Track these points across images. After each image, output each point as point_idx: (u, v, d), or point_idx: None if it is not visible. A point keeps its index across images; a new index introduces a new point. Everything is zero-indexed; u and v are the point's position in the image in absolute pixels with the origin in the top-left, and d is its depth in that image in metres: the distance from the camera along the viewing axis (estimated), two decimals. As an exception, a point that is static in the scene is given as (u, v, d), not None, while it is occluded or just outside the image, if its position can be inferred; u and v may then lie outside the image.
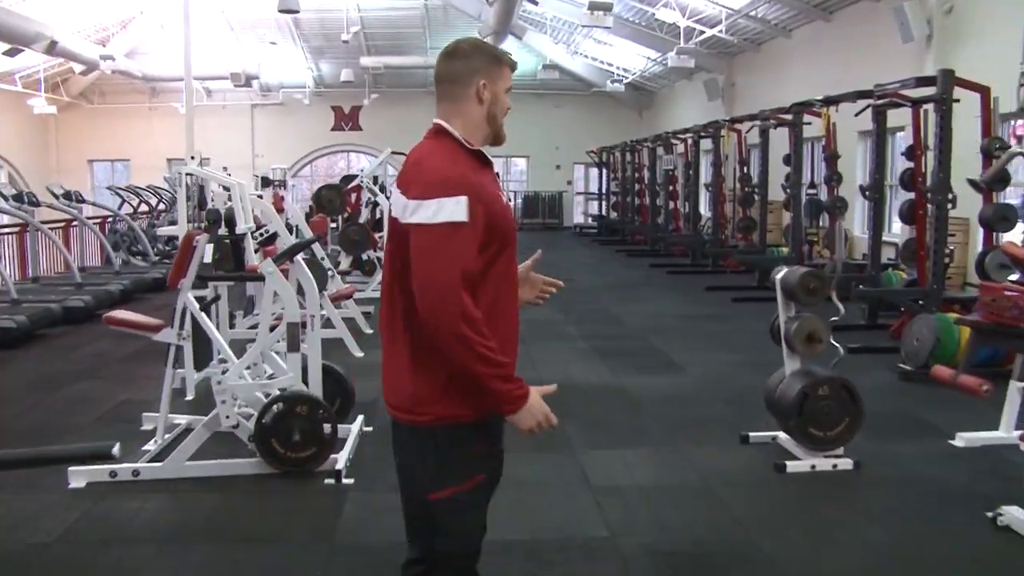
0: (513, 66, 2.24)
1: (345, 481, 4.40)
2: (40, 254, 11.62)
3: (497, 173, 2.32)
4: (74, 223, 12.60)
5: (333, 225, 11.66)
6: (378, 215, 11.36)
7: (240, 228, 5.83)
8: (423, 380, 2.10)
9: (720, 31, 15.95)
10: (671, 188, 17.45)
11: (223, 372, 4.45)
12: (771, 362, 7.30)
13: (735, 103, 17.90)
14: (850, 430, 4.58)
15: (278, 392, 4.56)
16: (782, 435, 4.94)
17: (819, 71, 13.99)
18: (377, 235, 11.15)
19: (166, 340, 4.67)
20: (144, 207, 15.72)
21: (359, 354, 7.51)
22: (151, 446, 4.80)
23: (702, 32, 16.42)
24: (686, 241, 15.90)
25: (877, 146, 8.73)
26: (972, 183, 7.49)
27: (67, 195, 12.04)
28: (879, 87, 8.50)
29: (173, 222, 10.90)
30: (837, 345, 4.71)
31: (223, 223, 6.04)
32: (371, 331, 8.55)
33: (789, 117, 11.13)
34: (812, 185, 12.07)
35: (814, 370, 4.69)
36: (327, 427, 4.44)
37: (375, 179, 12.04)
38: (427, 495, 2.15)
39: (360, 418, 5.24)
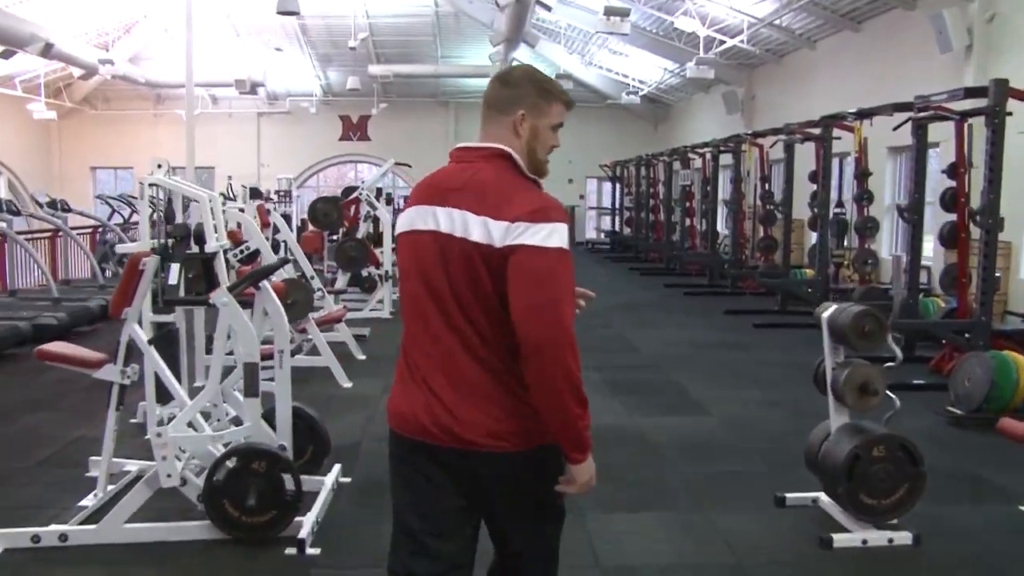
0: (568, 103, 2.15)
1: (309, 551, 3.70)
2: (20, 266, 11.01)
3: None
4: (60, 234, 11.98)
5: (334, 239, 11.08)
6: (380, 229, 10.75)
7: (211, 246, 5.21)
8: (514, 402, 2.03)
9: (741, 40, 15.17)
10: (688, 204, 16.77)
11: (166, 420, 3.76)
12: (801, 401, 6.65)
13: (755, 117, 17.16)
14: (910, 498, 3.87)
15: (239, 441, 3.88)
16: (824, 497, 4.24)
17: (845, 84, 13.28)
18: (378, 251, 10.51)
19: (107, 378, 4.00)
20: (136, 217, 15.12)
21: (347, 384, 6.83)
22: (90, 500, 4.13)
23: (722, 42, 15.66)
24: (703, 260, 15.20)
25: (917, 163, 8.02)
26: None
27: (52, 204, 11.44)
28: (920, 99, 7.80)
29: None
30: (893, 396, 3.99)
31: (192, 240, 5.49)
32: (363, 357, 7.88)
33: (817, 131, 10.44)
34: (839, 204, 11.36)
35: (866, 426, 3.98)
36: (290, 485, 3.76)
37: (378, 191, 11.37)
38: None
39: (336, 468, 4.55)
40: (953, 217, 7.94)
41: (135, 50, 21.28)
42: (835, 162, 11.07)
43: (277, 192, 17.89)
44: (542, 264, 1.93)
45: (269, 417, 4.30)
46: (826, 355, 4.02)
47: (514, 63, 20.07)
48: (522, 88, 2.10)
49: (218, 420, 4.41)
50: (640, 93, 21.76)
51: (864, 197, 9.97)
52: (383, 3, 19.04)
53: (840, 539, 3.85)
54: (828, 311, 3.99)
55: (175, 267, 5.20)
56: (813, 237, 11.79)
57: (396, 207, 21.11)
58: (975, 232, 7.91)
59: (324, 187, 25.76)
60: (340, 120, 25.24)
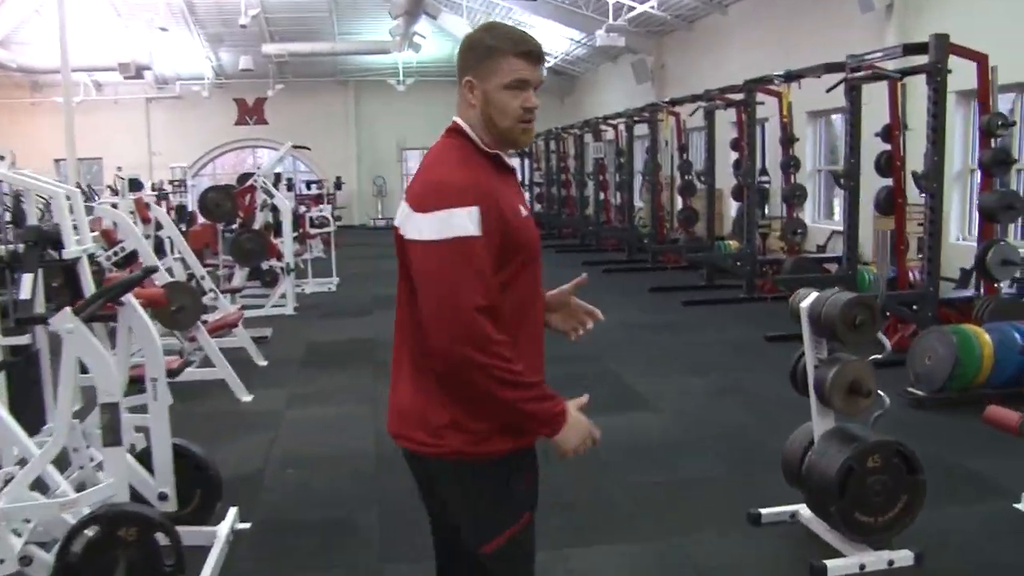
0: (528, 52, 1.87)
1: (199, 633, 2.96)
2: None
3: (521, 183, 2.16)
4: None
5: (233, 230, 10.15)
6: (279, 218, 9.81)
7: (71, 251, 4.37)
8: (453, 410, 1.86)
9: (652, 7, 14.56)
10: (601, 178, 16.26)
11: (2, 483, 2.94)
12: (747, 387, 6.13)
13: (666, 86, 16.59)
14: (909, 512, 3.34)
15: (101, 503, 3.08)
16: (803, 510, 3.69)
17: (762, 50, 12.79)
18: (278, 241, 9.61)
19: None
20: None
21: (246, 398, 5.99)
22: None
23: (632, 8, 15.06)
24: (621, 235, 14.70)
25: (852, 126, 7.60)
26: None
27: None
28: (854, 58, 7.36)
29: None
30: (883, 395, 3.45)
31: (48, 244, 4.67)
32: (265, 363, 7.05)
33: (740, 96, 9.99)
34: (763, 171, 10.97)
35: (855, 432, 3.43)
36: (169, 551, 2.99)
37: (277, 176, 10.45)
38: (481, 547, 1.92)
39: (232, 513, 3.79)
40: (889, 182, 7.58)
41: (4, 33, 19.40)
42: (757, 129, 10.66)
43: (171, 182, 16.69)
44: (433, 264, 1.77)
45: (146, 458, 3.54)
46: (807, 351, 3.45)
47: (415, 37, 18.95)
48: (464, 54, 1.90)
49: (80, 467, 3.60)
50: (546, 65, 20.84)
51: (791, 164, 9.56)
52: (275, -23, 17.82)
53: (835, 566, 3.29)
54: (808, 300, 3.41)
55: (27, 278, 4.41)
56: (734, 207, 11.43)
57: (298, 192, 20.16)
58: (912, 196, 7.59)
59: (222, 175, 24.24)
60: (235, 103, 23.78)
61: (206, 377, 6.07)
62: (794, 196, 9.60)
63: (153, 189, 12.11)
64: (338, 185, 19.69)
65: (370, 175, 24.19)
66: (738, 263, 10.16)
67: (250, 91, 23.15)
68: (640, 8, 14.85)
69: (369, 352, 7.46)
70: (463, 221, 1.74)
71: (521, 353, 1.83)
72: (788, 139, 9.67)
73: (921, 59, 6.80)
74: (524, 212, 1.92)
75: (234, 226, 10.16)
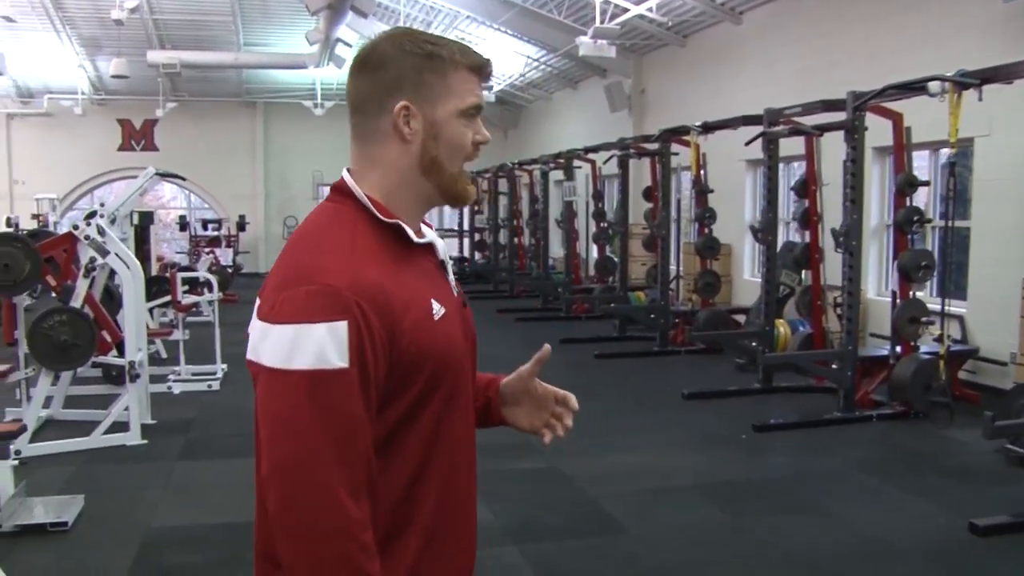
0: (479, 67, 1.34)
1: None
2: None
3: (442, 261, 1.41)
4: None
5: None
6: (116, 283, 6.52)
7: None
8: None
9: (649, 8, 11.03)
10: (515, 223, 16.01)
11: None
12: (715, 481, 5.12)
13: (646, 115, 14.07)
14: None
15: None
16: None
17: (787, 67, 10.21)
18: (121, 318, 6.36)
19: None
20: None
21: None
22: None
23: (625, 10, 11.27)
24: (536, 284, 14.42)
25: (769, 180, 7.52)
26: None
27: None
28: (771, 112, 7.30)
29: None
30: None
31: None
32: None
33: (654, 146, 9.89)
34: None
35: None
36: None
37: (143, 217, 9.11)
38: None
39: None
40: (807, 236, 7.53)
41: None
42: (685, 176, 10.37)
43: (35, 216, 14.36)
44: (274, 404, 1.20)
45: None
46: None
47: (338, 47, 15.32)
48: (393, 65, 1.30)
49: None
50: (496, 88, 17.95)
51: (707, 216, 9.46)
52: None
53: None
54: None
55: None
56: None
57: (192, 233, 17.34)
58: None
59: (104, 211, 21.94)
60: (119, 124, 20.16)
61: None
62: (707, 248, 9.48)
63: (8, 225, 10.47)
64: (241, 226, 17.86)
65: (280, 215, 20.39)
66: (652, 316, 9.98)
67: (137, 110, 19.61)
68: (635, 10, 11.17)
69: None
70: (320, 344, 1.17)
71: (422, 525, 1.30)
72: (701, 191, 9.57)
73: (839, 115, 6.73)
74: (440, 311, 1.31)
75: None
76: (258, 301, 1.27)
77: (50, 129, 19.35)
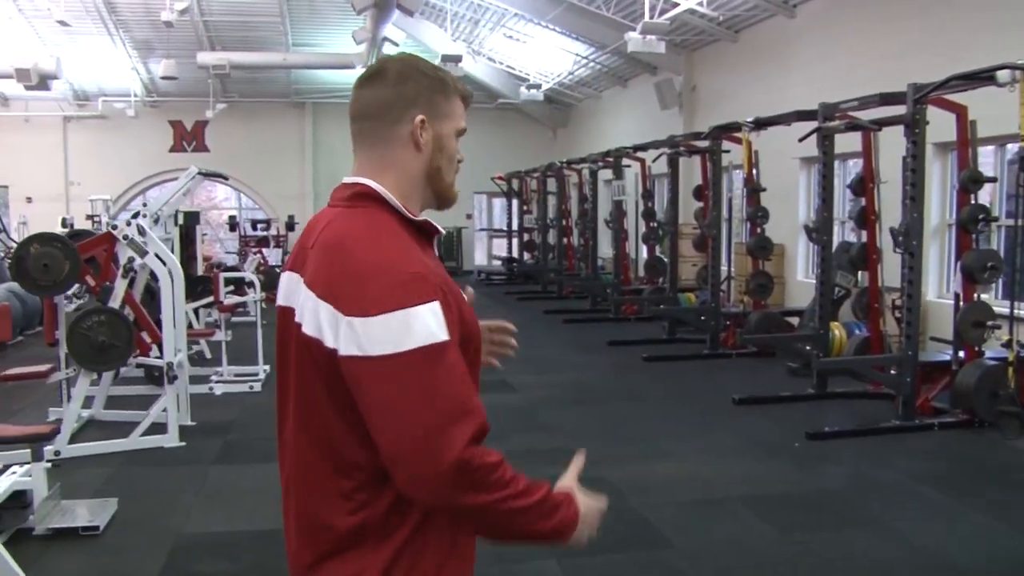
0: (466, 96, 1.59)
1: None
2: None
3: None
4: None
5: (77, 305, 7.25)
6: (156, 283, 6.36)
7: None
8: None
9: (699, 3, 10.85)
10: (564, 223, 15.83)
11: None
12: (770, 491, 4.91)
13: (696, 112, 13.75)
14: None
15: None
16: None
17: (839, 62, 10.03)
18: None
19: None
20: None
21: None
22: None
23: (675, 4, 10.93)
24: (584, 284, 14.22)
25: (824, 178, 7.22)
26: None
27: None
28: (826, 106, 7.01)
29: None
30: None
31: None
32: None
33: (705, 144, 9.62)
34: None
35: None
36: None
37: (188, 217, 9.06)
38: None
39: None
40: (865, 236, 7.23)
41: None
42: (737, 174, 10.14)
43: (90, 217, 14.58)
44: (393, 388, 1.32)
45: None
46: None
47: (384, 45, 15.29)
48: (413, 82, 1.51)
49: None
50: (544, 87, 17.49)
51: (759, 215, 9.16)
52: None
53: None
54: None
55: None
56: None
57: (242, 234, 17.50)
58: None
59: (146, 211, 22.13)
60: (170, 126, 20.37)
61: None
62: (759, 248, 9.19)
63: (64, 226, 10.60)
64: (291, 225, 17.47)
65: (328, 215, 21.65)
66: (703, 318, 9.71)
67: (188, 112, 19.72)
68: (685, 5, 10.90)
69: None
70: (426, 323, 1.33)
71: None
72: (754, 189, 9.28)
73: (897, 109, 6.43)
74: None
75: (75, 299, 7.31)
76: (323, 300, 1.38)
77: (104, 131, 19.67)
